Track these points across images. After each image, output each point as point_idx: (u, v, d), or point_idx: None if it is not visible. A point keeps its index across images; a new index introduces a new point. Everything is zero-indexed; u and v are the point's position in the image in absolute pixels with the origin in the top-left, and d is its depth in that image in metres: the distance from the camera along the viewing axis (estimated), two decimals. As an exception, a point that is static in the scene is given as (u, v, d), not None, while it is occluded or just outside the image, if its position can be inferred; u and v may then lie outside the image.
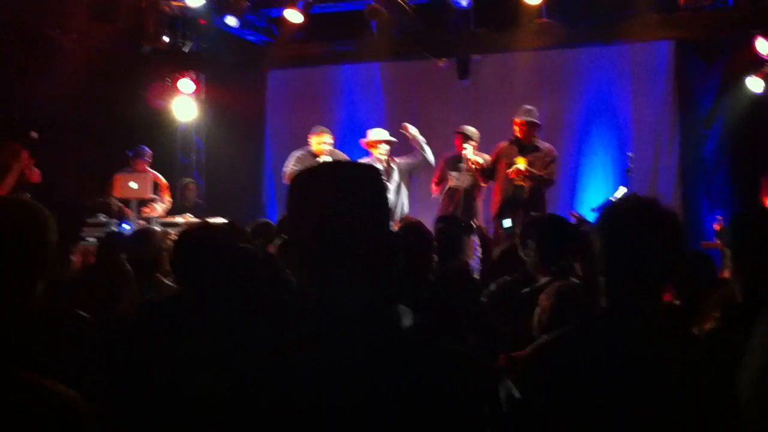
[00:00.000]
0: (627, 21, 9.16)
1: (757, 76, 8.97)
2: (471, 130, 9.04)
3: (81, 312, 3.13)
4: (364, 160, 8.99)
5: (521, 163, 8.47)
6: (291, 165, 9.15)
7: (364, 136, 10.58)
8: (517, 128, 8.74)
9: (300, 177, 1.74)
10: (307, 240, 1.65)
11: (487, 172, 8.82)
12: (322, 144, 9.11)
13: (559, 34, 9.59)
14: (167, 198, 9.87)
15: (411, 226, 5.12)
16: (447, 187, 9.02)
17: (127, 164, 9.80)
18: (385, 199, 1.73)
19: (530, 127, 8.68)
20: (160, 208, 9.62)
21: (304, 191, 1.70)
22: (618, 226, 2.19)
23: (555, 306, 3.13)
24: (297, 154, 9.24)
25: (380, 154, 9.12)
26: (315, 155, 9.11)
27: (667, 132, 10.24)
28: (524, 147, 8.67)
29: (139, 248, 4.90)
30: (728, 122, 9.69)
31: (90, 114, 9.97)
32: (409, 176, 9.37)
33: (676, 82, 10.19)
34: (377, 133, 9.25)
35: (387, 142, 9.20)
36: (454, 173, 9.00)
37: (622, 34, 9.41)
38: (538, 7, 9.29)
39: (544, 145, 8.81)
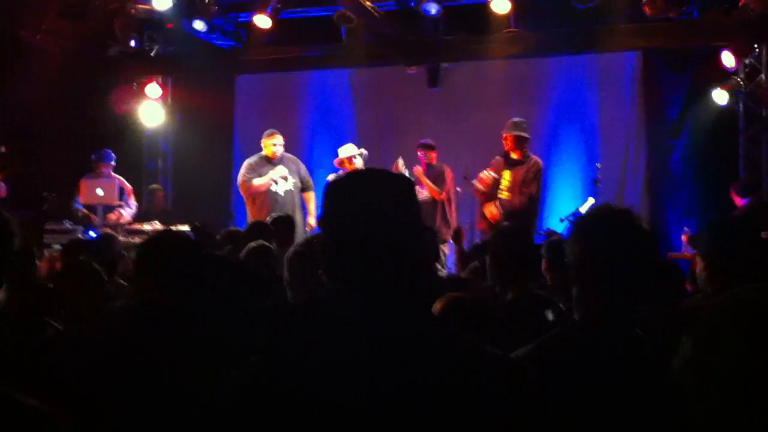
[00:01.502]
0: (595, 30, 9.23)
1: (722, 88, 9.08)
2: (430, 141, 9.21)
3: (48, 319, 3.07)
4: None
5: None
6: (244, 173, 9.07)
7: (334, 142, 10.58)
8: (505, 143, 8.63)
9: (337, 183, 1.83)
10: (346, 241, 1.73)
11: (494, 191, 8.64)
12: (274, 146, 9.03)
13: (529, 43, 9.65)
14: (133, 203, 9.74)
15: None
16: None
17: (90, 169, 9.65)
18: (417, 206, 1.82)
19: (518, 141, 8.56)
20: (126, 213, 9.49)
21: (342, 195, 1.79)
22: (592, 237, 2.18)
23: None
24: (249, 161, 9.17)
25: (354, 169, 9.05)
26: (268, 159, 9.04)
27: (635, 142, 10.33)
28: (512, 161, 8.61)
29: (100, 252, 4.83)
30: (694, 133, 9.80)
31: (57, 116, 9.81)
32: None
33: (643, 91, 10.28)
34: (347, 150, 9.19)
35: (359, 155, 9.14)
36: (416, 187, 9.00)
37: (590, 43, 9.47)
38: (508, 16, 9.33)
39: (532, 158, 8.67)
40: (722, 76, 9.08)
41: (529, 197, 8.47)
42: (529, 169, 8.55)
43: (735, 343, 1.16)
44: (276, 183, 8.93)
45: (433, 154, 9.16)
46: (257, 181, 8.88)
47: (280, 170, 8.98)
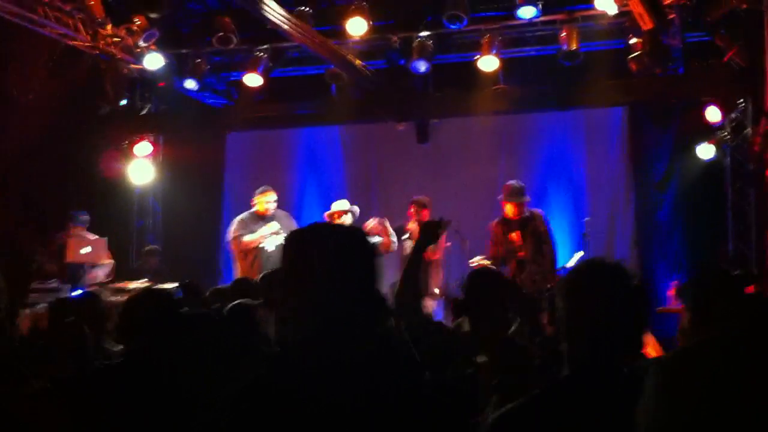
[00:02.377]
0: (581, 87, 9.36)
1: (709, 143, 9.16)
2: (423, 199, 9.14)
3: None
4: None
5: (516, 238, 8.34)
6: (235, 229, 9.04)
7: (324, 198, 10.61)
8: (509, 208, 8.46)
9: (295, 235, 1.87)
10: (298, 297, 1.76)
11: (494, 259, 8.44)
12: (267, 203, 9.01)
13: (516, 99, 9.77)
14: (108, 261, 9.60)
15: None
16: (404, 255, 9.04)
17: (63, 229, 9.53)
18: (373, 260, 1.83)
19: (521, 206, 8.46)
20: (102, 273, 9.39)
21: (300, 250, 1.81)
22: (581, 292, 2.15)
23: None
24: (241, 217, 9.14)
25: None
26: (260, 216, 9.01)
27: (623, 196, 10.38)
28: (514, 222, 8.46)
29: (86, 311, 4.79)
30: (682, 186, 9.86)
31: (46, 175, 9.83)
32: None
33: (630, 146, 10.38)
34: (339, 204, 9.18)
35: (349, 212, 9.11)
36: (408, 242, 9.01)
37: (576, 99, 9.60)
38: (495, 73, 9.46)
39: (534, 212, 8.58)
40: (708, 130, 9.18)
41: (552, 247, 8.43)
42: (540, 221, 8.46)
43: (682, 394, 1.14)
44: (266, 239, 8.91)
45: (426, 212, 9.09)
46: (248, 238, 8.85)
47: (272, 227, 8.94)
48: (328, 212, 9.20)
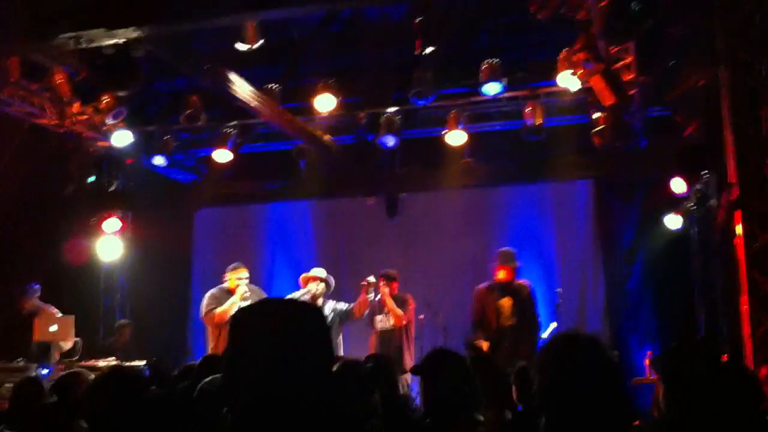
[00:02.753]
0: (547, 161, 9.50)
1: (675, 213, 9.29)
2: (392, 272, 9.15)
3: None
4: (296, 294, 8.90)
5: (507, 305, 8.38)
6: (207, 304, 8.92)
7: (293, 272, 10.56)
8: (503, 272, 8.50)
9: (243, 313, 1.79)
10: (247, 380, 1.68)
11: (477, 323, 8.47)
12: (239, 279, 8.93)
13: (483, 174, 9.90)
14: (73, 340, 9.38)
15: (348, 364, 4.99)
16: (376, 330, 9.01)
17: (15, 303, 9.33)
18: (326, 336, 1.76)
19: (514, 271, 8.55)
20: (65, 347, 9.16)
21: (247, 329, 1.74)
22: (557, 367, 2.13)
23: None
24: (212, 292, 9.01)
25: (315, 289, 8.96)
26: (230, 291, 8.91)
27: (592, 268, 10.46)
28: (505, 288, 8.51)
29: (66, 392, 4.69)
30: (649, 258, 9.96)
31: (13, 253, 9.70)
32: (340, 321, 9.16)
33: (596, 218, 10.51)
34: (317, 271, 9.14)
35: (325, 280, 9.07)
36: (379, 316, 8.99)
37: (542, 173, 9.75)
38: (462, 148, 9.58)
39: (522, 282, 8.65)
40: (673, 201, 9.31)
41: (537, 319, 8.46)
42: (525, 291, 8.52)
43: None
44: (240, 304, 8.81)
45: (395, 284, 9.13)
46: (219, 309, 8.73)
47: (240, 290, 8.81)
48: (304, 275, 9.11)
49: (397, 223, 10.72)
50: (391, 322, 8.94)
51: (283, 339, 1.70)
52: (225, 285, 8.96)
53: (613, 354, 2.19)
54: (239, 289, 8.76)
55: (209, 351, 8.76)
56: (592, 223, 10.52)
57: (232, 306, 8.72)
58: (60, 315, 9.09)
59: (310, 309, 1.83)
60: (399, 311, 8.91)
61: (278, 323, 1.74)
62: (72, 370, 7.07)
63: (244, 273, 8.93)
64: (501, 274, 8.45)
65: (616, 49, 7.72)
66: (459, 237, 10.74)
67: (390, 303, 8.94)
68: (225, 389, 1.73)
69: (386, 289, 8.95)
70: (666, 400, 3.08)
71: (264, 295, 9.15)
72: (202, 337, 11.22)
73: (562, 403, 2.07)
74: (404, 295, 9.21)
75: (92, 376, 8.09)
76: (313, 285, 8.94)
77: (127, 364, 8.33)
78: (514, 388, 4.91)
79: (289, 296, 8.87)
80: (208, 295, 8.95)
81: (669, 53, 7.94)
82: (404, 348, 8.90)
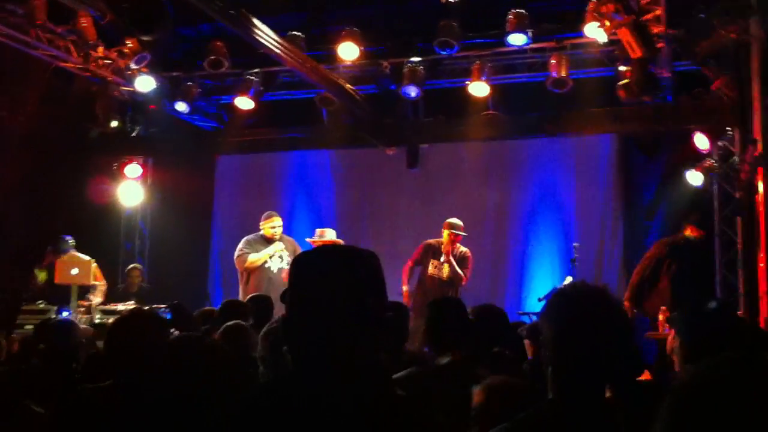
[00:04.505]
0: (571, 115, 9.41)
1: (696, 170, 9.21)
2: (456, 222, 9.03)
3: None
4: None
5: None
6: (241, 247, 9.02)
7: (313, 222, 10.58)
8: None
9: (299, 260, 1.88)
10: (306, 317, 1.77)
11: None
12: (273, 228, 9.03)
13: (505, 126, 9.82)
14: (101, 283, 9.54)
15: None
16: (427, 273, 8.99)
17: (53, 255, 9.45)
18: (380, 282, 1.82)
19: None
20: (95, 300, 9.31)
21: (304, 270, 1.83)
22: (564, 316, 2.15)
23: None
24: (248, 238, 9.13)
25: None
26: (266, 239, 9.01)
27: (611, 223, 10.42)
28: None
29: (61, 340, 4.77)
30: (669, 213, 9.90)
31: (36, 197, 9.80)
32: None
33: (619, 174, 10.44)
34: (329, 234, 9.11)
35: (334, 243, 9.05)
36: (434, 261, 8.99)
37: (566, 127, 9.64)
38: (486, 100, 9.52)
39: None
40: (696, 158, 9.23)
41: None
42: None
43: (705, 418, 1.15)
44: (272, 258, 8.91)
45: (459, 238, 9.02)
46: (253, 257, 8.85)
47: (276, 247, 8.93)
48: (315, 239, 9.10)
49: (418, 173, 10.71)
50: (446, 272, 8.91)
51: (343, 282, 1.77)
52: (261, 232, 9.07)
53: (622, 305, 2.20)
54: (274, 245, 8.86)
55: (241, 295, 8.90)
56: (613, 178, 10.46)
57: (265, 256, 8.84)
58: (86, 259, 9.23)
59: (370, 256, 1.86)
60: (460, 272, 8.89)
61: (338, 268, 1.81)
62: (65, 319, 7.18)
63: (278, 221, 9.05)
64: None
65: (645, 0, 7.60)
66: (479, 189, 10.73)
67: (452, 260, 8.89)
68: (286, 329, 1.81)
69: (447, 244, 8.89)
70: (681, 356, 3.10)
71: (297, 245, 9.21)
72: (221, 282, 11.38)
73: (568, 353, 2.08)
74: (465, 251, 9.07)
75: (102, 318, 8.33)
76: None
77: (147, 307, 8.48)
78: (527, 342, 4.96)
79: None
80: (244, 240, 9.09)
81: (699, 5, 7.81)
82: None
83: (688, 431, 1.14)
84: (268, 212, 9.16)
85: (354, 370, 1.74)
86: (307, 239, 9.18)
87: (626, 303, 8.15)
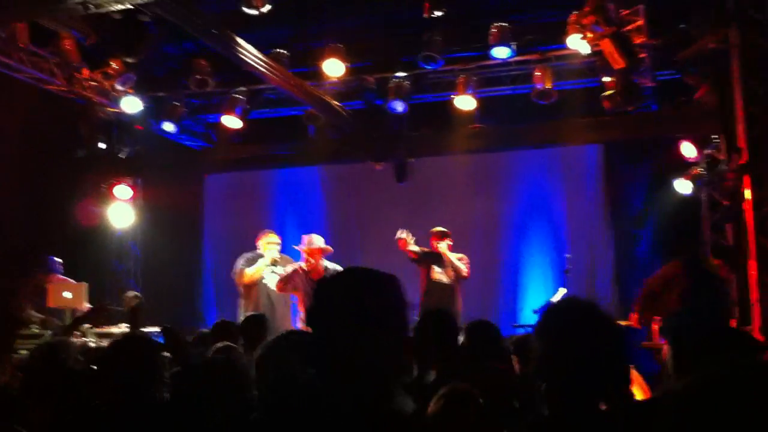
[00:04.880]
0: (556, 125, 9.45)
1: (684, 178, 9.25)
2: (443, 229, 9.07)
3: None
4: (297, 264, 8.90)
5: None
6: (240, 263, 9.01)
7: (302, 238, 10.58)
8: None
9: (327, 282, 1.96)
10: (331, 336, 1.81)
11: None
12: (269, 244, 9.02)
13: (492, 138, 9.85)
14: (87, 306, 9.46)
15: None
16: (433, 280, 8.98)
17: (37, 278, 9.37)
18: (403, 304, 1.87)
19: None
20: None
21: (330, 293, 1.88)
22: (556, 333, 2.15)
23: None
24: (246, 255, 9.13)
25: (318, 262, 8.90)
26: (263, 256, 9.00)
27: (601, 232, 10.45)
28: None
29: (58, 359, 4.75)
30: (659, 222, 9.94)
31: (24, 220, 9.75)
32: None
33: (606, 183, 10.48)
34: (318, 240, 9.05)
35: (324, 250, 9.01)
36: (438, 268, 8.99)
37: (552, 137, 9.67)
38: (472, 113, 9.55)
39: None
40: (683, 165, 9.27)
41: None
42: None
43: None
44: (269, 274, 8.88)
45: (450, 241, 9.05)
46: (249, 270, 8.85)
47: (269, 255, 8.90)
48: (305, 247, 9.01)
49: (406, 187, 10.71)
50: (448, 276, 8.93)
51: (367, 304, 1.81)
52: (259, 250, 9.06)
53: (613, 318, 2.21)
54: (268, 253, 8.86)
55: (240, 308, 8.87)
56: (601, 187, 10.50)
57: (259, 269, 8.82)
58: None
59: (394, 280, 1.89)
60: (463, 266, 8.91)
61: (363, 289, 1.85)
62: (59, 339, 7.13)
63: (274, 238, 9.06)
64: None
65: (626, 11, 7.66)
66: (468, 202, 10.75)
67: (451, 257, 8.90)
68: (311, 344, 1.86)
69: (443, 245, 8.91)
70: (673, 364, 3.12)
71: (293, 262, 9.18)
72: (215, 301, 11.35)
73: (561, 368, 2.09)
74: (459, 254, 9.09)
75: (95, 341, 8.27)
76: (317, 259, 8.83)
77: (141, 330, 8.43)
78: (515, 358, 4.93)
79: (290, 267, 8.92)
80: (242, 256, 9.08)
81: (679, 15, 7.87)
82: (458, 302, 8.86)
83: None
84: (264, 230, 9.17)
85: (369, 388, 1.78)
86: (294, 246, 9.15)
87: (635, 315, 8.10)
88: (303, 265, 8.71)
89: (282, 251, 9.86)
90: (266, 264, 8.87)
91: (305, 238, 8.99)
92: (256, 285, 8.87)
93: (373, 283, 1.87)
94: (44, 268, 9.30)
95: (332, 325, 1.80)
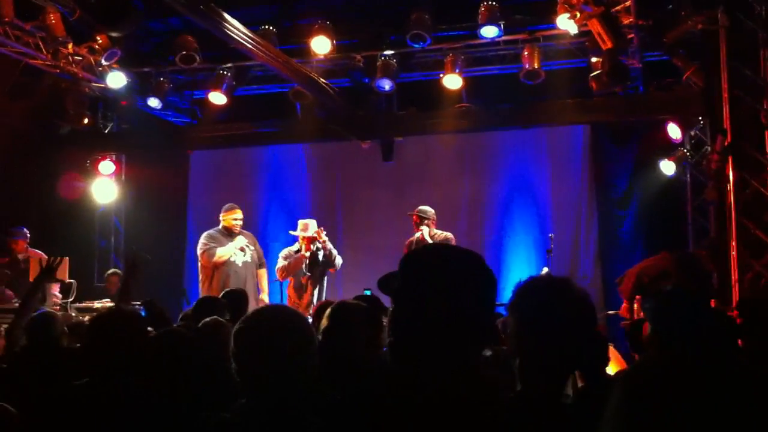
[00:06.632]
0: (543, 106, 9.47)
1: (669, 159, 9.31)
2: (426, 210, 8.86)
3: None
4: (295, 247, 8.89)
5: None
6: (203, 243, 8.96)
7: (288, 216, 10.55)
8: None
9: (415, 253, 1.97)
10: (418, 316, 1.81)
11: None
12: (234, 220, 8.99)
13: (479, 118, 9.85)
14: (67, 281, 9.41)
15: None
16: None
17: (3, 248, 9.34)
18: (489, 280, 1.86)
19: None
20: (58, 293, 9.20)
21: (411, 268, 1.87)
22: (526, 308, 2.17)
23: None
24: (209, 232, 9.07)
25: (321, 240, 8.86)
26: (227, 232, 8.96)
27: (585, 213, 10.50)
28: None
29: (43, 332, 4.76)
30: (643, 203, 10.00)
31: (6, 195, 9.68)
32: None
33: (591, 163, 10.52)
34: (312, 225, 8.95)
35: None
36: None
37: (538, 118, 9.70)
38: (459, 92, 9.54)
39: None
40: (668, 147, 9.32)
41: None
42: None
43: (645, 409, 1.17)
44: (235, 253, 8.86)
45: (432, 223, 8.80)
46: (221, 251, 8.80)
47: (241, 241, 8.91)
48: (306, 233, 8.82)
49: (392, 166, 10.72)
50: None
51: (448, 280, 1.82)
52: (221, 226, 9.03)
53: (586, 295, 2.23)
54: (238, 239, 8.83)
55: (202, 290, 8.85)
56: (587, 168, 10.54)
57: (229, 251, 8.80)
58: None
59: (474, 257, 1.90)
60: None
61: (446, 266, 1.86)
62: (45, 311, 7.12)
63: (239, 214, 8.99)
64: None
65: (615, -9, 7.65)
66: (454, 181, 10.77)
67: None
68: (391, 320, 1.86)
69: (425, 228, 8.67)
70: (653, 342, 3.15)
71: (256, 240, 9.19)
72: (199, 278, 11.30)
73: (533, 344, 2.11)
74: (444, 234, 8.84)
75: (77, 316, 8.24)
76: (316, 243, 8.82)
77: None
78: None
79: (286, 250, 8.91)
80: (205, 234, 9.03)
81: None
82: None
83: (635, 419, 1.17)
84: (229, 204, 9.09)
85: (451, 371, 1.79)
86: (291, 232, 9.14)
87: (625, 304, 8.13)
88: (304, 252, 8.70)
89: (265, 228, 9.86)
90: (234, 250, 8.84)
91: (301, 223, 8.98)
92: (223, 263, 8.84)
93: (466, 259, 1.89)
94: (12, 237, 9.25)
95: (423, 300, 1.81)
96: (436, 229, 8.84)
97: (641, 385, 1.17)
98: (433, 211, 8.84)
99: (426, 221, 8.75)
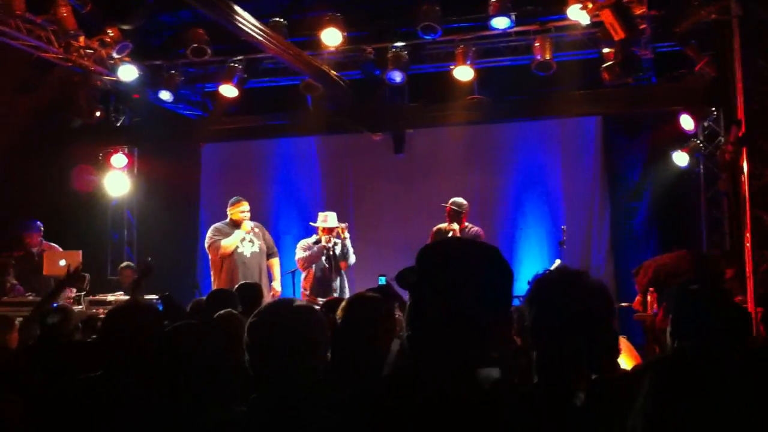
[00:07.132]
0: (555, 97, 9.42)
1: (682, 150, 9.26)
2: (461, 203, 8.67)
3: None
4: (313, 238, 8.92)
5: None
6: (211, 235, 8.99)
7: (299, 209, 10.55)
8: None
9: (428, 249, 1.92)
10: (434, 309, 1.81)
11: None
12: (241, 213, 8.99)
13: (490, 109, 9.82)
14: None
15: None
16: None
17: (18, 242, 9.40)
18: (506, 275, 1.86)
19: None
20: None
21: (428, 262, 1.86)
22: (544, 301, 2.17)
23: None
24: (216, 225, 9.09)
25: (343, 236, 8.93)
26: (235, 224, 8.97)
27: (598, 204, 10.46)
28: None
29: (57, 326, 4.79)
30: (656, 194, 9.95)
31: (19, 189, 9.73)
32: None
33: (603, 155, 10.46)
34: (332, 218, 9.01)
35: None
36: None
37: (550, 109, 9.66)
38: (470, 84, 9.51)
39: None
40: (680, 138, 9.27)
41: None
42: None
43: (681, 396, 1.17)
44: (242, 242, 8.87)
45: (464, 217, 8.65)
46: (226, 242, 8.82)
47: (246, 226, 8.89)
48: (325, 225, 8.89)
49: (404, 159, 10.71)
50: None
51: (465, 273, 1.82)
52: (229, 219, 9.04)
53: (604, 288, 2.22)
54: (245, 224, 8.84)
55: (215, 283, 8.88)
56: (599, 159, 10.49)
57: (234, 241, 8.81)
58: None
59: (491, 250, 1.90)
60: None
61: (463, 259, 1.86)
62: (61, 305, 7.16)
63: (245, 206, 9.00)
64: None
65: (626, -18, 7.61)
66: (465, 173, 10.74)
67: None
68: (409, 314, 1.86)
69: (455, 226, 8.52)
70: (672, 335, 3.15)
71: (265, 230, 9.22)
72: (210, 271, 11.34)
73: (552, 337, 2.11)
74: (475, 229, 8.73)
75: (91, 309, 8.29)
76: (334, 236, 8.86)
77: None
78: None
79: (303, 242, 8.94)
80: (212, 228, 9.06)
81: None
82: None
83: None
84: (236, 197, 9.08)
85: (470, 367, 1.80)
86: (312, 224, 9.16)
87: (640, 297, 8.09)
88: (325, 243, 8.73)
89: (277, 220, 9.86)
90: (241, 236, 8.85)
91: (321, 215, 9.00)
92: (231, 255, 8.86)
93: (483, 253, 1.89)
94: (27, 230, 9.30)
95: (441, 294, 1.81)
96: (467, 222, 8.77)
97: (672, 377, 1.17)
98: (467, 203, 8.70)
99: (461, 214, 8.62)
